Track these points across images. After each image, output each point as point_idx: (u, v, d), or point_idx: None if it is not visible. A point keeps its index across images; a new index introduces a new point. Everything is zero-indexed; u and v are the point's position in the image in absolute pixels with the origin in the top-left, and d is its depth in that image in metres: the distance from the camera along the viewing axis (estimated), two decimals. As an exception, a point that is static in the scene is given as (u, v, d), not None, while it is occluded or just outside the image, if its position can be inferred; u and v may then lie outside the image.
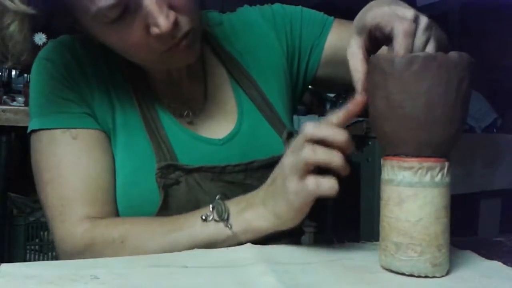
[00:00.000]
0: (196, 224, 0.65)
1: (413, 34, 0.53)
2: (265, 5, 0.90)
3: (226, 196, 0.68)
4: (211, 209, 0.65)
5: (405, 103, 0.52)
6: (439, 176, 0.52)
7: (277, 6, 0.89)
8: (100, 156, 0.73)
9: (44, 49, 0.77)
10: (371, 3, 0.62)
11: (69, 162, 0.71)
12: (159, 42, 0.66)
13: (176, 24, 0.64)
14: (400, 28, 0.53)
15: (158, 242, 0.65)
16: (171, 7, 0.64)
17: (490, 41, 2.94)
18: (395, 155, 0.54)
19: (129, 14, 0.63)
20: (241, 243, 0.63)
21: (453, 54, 0.51)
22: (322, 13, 0.89)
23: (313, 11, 0.89)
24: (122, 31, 0.65)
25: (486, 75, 2.96)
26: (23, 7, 0.60)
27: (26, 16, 0.61)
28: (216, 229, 0.64)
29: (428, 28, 0.55)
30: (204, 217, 0.64)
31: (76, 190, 0.70)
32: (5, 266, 0.53)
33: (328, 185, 0.55)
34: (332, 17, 0.88)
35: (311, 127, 0.57)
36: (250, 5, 0.91)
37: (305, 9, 0.89)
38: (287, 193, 0.58)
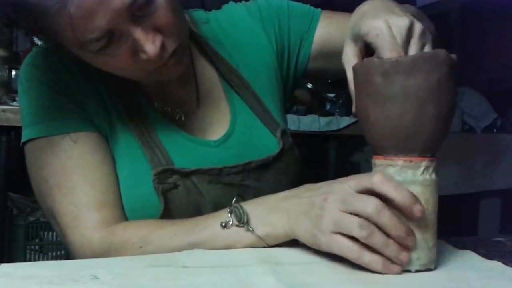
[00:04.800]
0: (215, 230, 0.62)
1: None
2: (251, 1, 0.89)
3: (242, 198, 0.66)
4: (228, 213, 0.62)
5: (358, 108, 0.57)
6: (419, 173, 0.54)
7: (262, 0, 0.88)
8: (103, 158, 0.72)
9: (29, 55, 0.75)
10: (366, 6, 0.62)
11: (75, 166, 0.70)
12: (147, 64, 0.66)
13: (163, 46, 0.64)
14: (388, 56, 0.55)
15: (178, 248, 0.62)
16: (156, 30, 0.64)
17: (490, 41, 2.94)
18: (381, 154, 0.56)
19: (115, 43, 0.63)
20: (260, 246, 0.61)
21: (378, 58, 0.54)
22: (308, 5, 0.87)
23: (299, 4, 0.87)
24: (109, 58, 0.64)
25: (486, 75, 2.96)
26: None
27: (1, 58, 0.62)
28: (237, 234, 0.61)
29: (422, 34, 0.56)
30: (224, 224, 0.61)
31: (86, 194, 0.69)
32: (5, 266, 0.53)
33: (353, 254, 0.52)
34: (319, 9, 0.87)
35: (374, 205, 0.52)
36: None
37: (291, 2, 0.87)
38: (318, 229, 0.55)
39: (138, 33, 0.62)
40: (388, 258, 0.52)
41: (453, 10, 3.25)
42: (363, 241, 0.52)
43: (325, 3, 1.06)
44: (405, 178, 0.54)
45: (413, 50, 0.56)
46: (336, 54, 0.62)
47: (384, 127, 0.54)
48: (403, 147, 0.54)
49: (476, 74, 2.83)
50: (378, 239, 0.51)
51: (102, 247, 0.66)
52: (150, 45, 0.63)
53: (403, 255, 0.52)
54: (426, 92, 0.52)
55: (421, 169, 0.54)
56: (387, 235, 0.52)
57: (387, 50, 0.55)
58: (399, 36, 0.55)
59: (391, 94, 0.53)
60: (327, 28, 0.84)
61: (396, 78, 0.53)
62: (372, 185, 0.53)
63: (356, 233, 0.52)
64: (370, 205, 0.52)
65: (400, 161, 0.54)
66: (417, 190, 0.53)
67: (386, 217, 0.51)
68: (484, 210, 2.64)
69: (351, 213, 0.53)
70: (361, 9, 0.62)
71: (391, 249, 0.52)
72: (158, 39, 0.63)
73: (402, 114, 0.53)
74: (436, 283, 0.52)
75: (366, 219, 0.52)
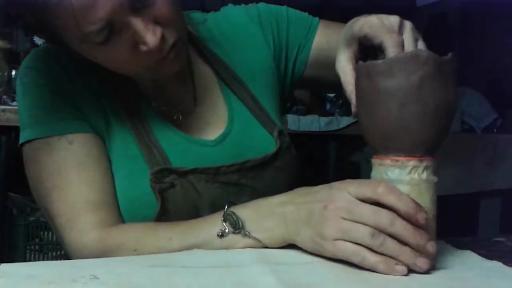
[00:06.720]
0: (211, 234, 0.62)
1: (402, 45, 0.57)
2: (250, 4, 0.90)
3: (233, 203, 0.66)
4: (222, 222, 0.62)
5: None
6: (405, 173, 0.54)
7: (262, 5, 0.89)
8: (99, 159, 0.72)
9: (27, 57, 0.75)
10: (359, 17, 0.64)
11: (71, 167, 0.70)
12: (148, 58, 0.66)
13: (163, 38, 0.64)
14: (390, 41, 0.57)
15: (173, 252, 0.62)
16: (156, 22, 0.64)
17: (490, 41, 2.94)
18: (374, 153, 0.58)
19: (116, 35, 0.63)
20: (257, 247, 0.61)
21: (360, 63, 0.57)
22: (306, 13, 0.89)
23: (298, 11, 0.89)
24: (110, 51, 0.65)
25: (486, 75, 2.96)
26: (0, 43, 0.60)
27: (2, 50, 0.62)
28: (234, 237, 0.61)
29: (413, 29, 0.59)
30: (220, 234, 0.61)
31: (82, 195, 0.69)
32: (5, 266, 0.53)
33: (358, 258, 0.53)
34: (317, 18, 0.88)
35: (387, 218, 0.52)
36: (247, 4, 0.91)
37: (290, 9, 0.88)
38: (320, 236, 0.55)
39: (139, 24, 0.63)
40: (406, 265, 0.52)
41: (453, 10, 3.25)
42: (375, 249, 0.52)
43: (327, 2, 1.08)
44: (391, 176, 0.55)
45: (407, 40, 0.58)
46: (332, 63, 0.63)
47: (372, 128, 0.56)
48: (390, 147, 0.55)
49: (476, 74, 2.83)
50: (391, 247, 0.52)
51: (98, 249, 0.66)
52: (151, 36, 0.63)
53: (420, 261, 0.52)
54: (407, 93, 0.53)
55: (408, 168, 0.54)
56: (402, 242, 0.52)
57: (385, 33, 0.57)
58: (392, 28, 0.58)
59: (375, 96, 0.54)
60: (325, 37, 0.85)
61: (378, 80, 0.54)
62: (376, 195, 0.53)
63: (368, 242, 0.52)
64: (383, 218, 0.52)
65: (387, 160, 0.55)
66: (403, 189, 0.54)
67: (400, 228, 0.52)
68: (484, 210, 2.64)
69: (356, 222, 0.53)
70: (354, 19, 0.65)
71: (408, 256, 0.52)
72: (158, 31, 0.64)
73: (385, 115, 0.54)
74: (436, 283, 0.52)
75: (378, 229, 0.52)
